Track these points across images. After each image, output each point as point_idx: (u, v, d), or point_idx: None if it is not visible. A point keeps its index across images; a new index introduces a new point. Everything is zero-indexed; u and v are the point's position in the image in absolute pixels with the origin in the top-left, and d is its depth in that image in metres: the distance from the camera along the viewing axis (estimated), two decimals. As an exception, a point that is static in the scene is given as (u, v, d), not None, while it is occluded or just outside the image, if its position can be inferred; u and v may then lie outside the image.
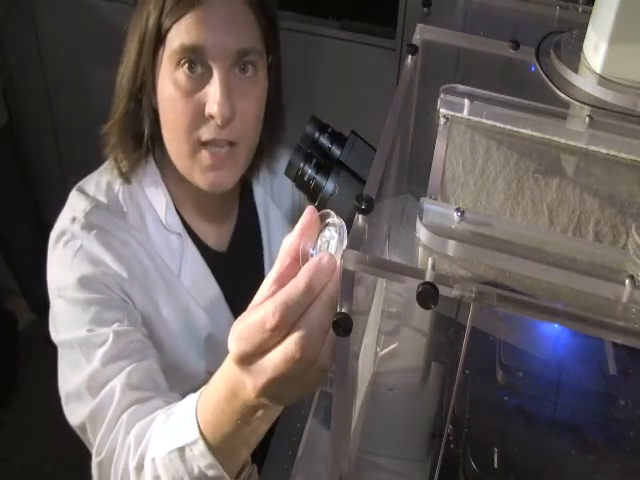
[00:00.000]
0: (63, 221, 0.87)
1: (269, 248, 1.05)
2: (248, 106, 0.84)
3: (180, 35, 0.79)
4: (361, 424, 0.75)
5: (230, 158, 0.85)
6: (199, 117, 0.82)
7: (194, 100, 0.81)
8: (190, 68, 0.80)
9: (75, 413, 0.79)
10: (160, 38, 0.80)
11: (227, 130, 0.82)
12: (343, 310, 0.44)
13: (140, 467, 0.68)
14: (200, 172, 0.85)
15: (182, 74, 0.80)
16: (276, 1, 0.88)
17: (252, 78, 0.84)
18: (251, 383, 0.50)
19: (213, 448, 0.61)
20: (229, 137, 0.83)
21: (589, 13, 0.61)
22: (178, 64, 0.80)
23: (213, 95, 0.80)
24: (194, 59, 0.80)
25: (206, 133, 0.82)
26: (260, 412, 0.55)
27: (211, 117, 0.81)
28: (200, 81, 0.81)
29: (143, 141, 0.88)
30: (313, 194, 0.77)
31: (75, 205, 0.89)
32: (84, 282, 0.82)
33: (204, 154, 0.84)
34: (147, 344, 0.84)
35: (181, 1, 0.78)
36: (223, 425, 0.59)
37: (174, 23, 0.79)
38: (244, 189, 1.01)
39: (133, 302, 0.86)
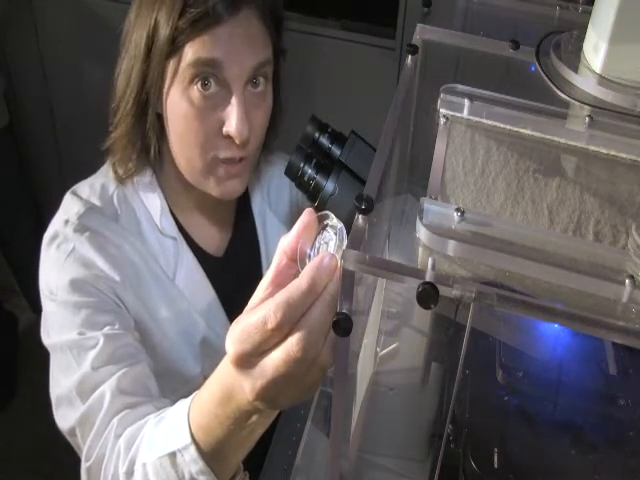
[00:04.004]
0: (56, 223, 0.87)
1: (266, 253, 1.05)
2: (260, 120, 0.84)
3: (196, 49, 0.77)
4: (361, 424, 0.75)
5: (242, 169, 0.86)
6: (216, 136, 0.81)
7: (210, 120, 0.80)
8: (204, 85, 0.78)
9: (65, 418, 0.79)
10: (173, 50, 0.78)
11: (243, 148, 0.82)
12: (343, 310, 0.44)
13: (130, 472, 0.67)
14: (214, 183, 0.86)
15: (196, 92, 0.79)
16: (283, 10, 0.87)
17: (263, 91, 0.83)
18: (249, 385, 0.50)
19: (205, 454, 0.60)
20: (245, 154, 0.84)
21: (589, 13, 0.61)
22: (191, 81, 0.79)
23: (231, 115, 0.79)
24: (208, 75, 0.78)
25: (223, 152, 0.82)
26: (254, 417, 0.55)
27: (228, 136, 0.81)
28: (215, 99, 0.80)
29: (149, 156, 0.87)
30: (313, 194, 0.77)
31: (68, 208, 0.88)
32: (76, 285, 0.82)
33: (219, 168, 0.84)
34: (139, 349, 0.83)
35: (196, 22, 0.76)
36: (215, 430, 0.58)
37: (189, 41, 0.77)
38: (241, 194, 1.01)
39: (126, 306, 0.86)
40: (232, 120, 0.79)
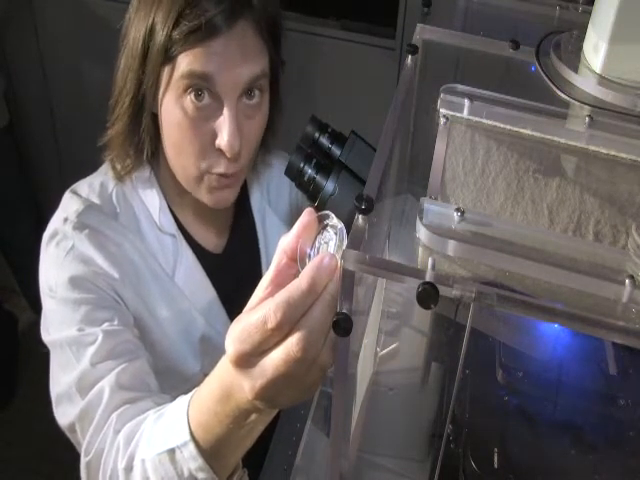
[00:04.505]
0: (56, 221, 0.87)
1: (266, 251, 1.05)
2: (253, 131, 0.84)
3: (189, 61, 0.76)
4: (361, 424, 0.75)
5: (235, 180, 0.86)
6: (208, 147, 0.81)
7: (203, 130, 0.80)
8: (197, 96, 0.78)
9: (65, 414, 0.79)
10: (167, 58, 0.77)
11: (235, 162, 0.82)
12: (343, 310, 0.44)
13: (129, 468, 0.68)
14: (205, 192, 0.86)
15: (189, 102, 0.78)
16: (283, 23, 0.86)
17: (258, 103, 0.83)
18: (249, 385, 0.50)
19: (204, 451, 0.61)
20: (236, 169, 0.83)
21: (589, 13, 0.61)
22: (185, 91, 0.78)
23: (223, 129, 0.79)
24: (202, 87, 0.78)
25: (215, 167, 0.82)
26: (253, 416, 0.55)
27: (220, 149, 0.80)
28: (208, 111, 0.79)
29: (143, 154, 0.87)
30: (313, 194, 0.77)
31: (68, 206, 0.88)
32: (75, 282, 0.82)
33: (211, 178, 0.84)
34: (138, 345, 0.83)
35: (191, 33, 0.75)
36: (214, 428, 0.58)
37: (182, 52, 0.76)
38: (241, 192, 1.01)
39: (125, 303, 0.86)
40: (224, 134, 0.79)
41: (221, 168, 0.82)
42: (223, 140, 0.79)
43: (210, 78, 0.77)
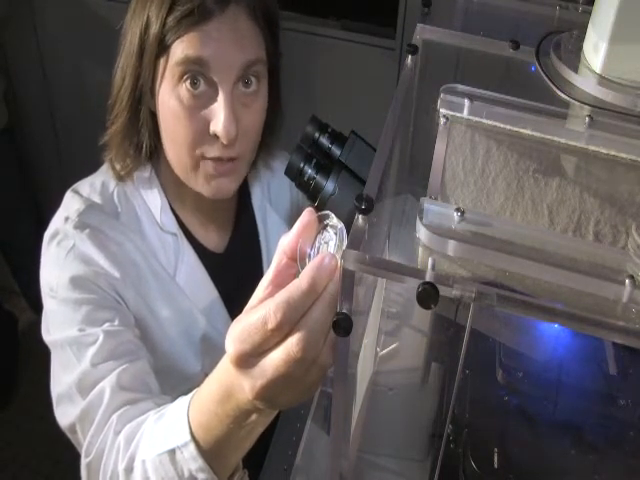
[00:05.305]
0: (57, 221, 0.87)
1: (267, 250, 1.05)
2: (251, 121, 0.84)
3: (183, 47, 0.77)
4: (361, 424, 0.75)
5: (232, 169, 0.86)
6: (203, 135, 0.81)
7: (198, 118, 0.80)
8: (193, 84, 0.78)
9: (65, 414, 0.79)
10: (162, 48, 0.78)
11: (231, 148, 0.82)
12: (343, 310, 0.44)
13: (130, 468, 0.68)
14: (202, 181, 0.86)
15: (185, 90, 0.79)
16: (278, 11, 0.87)
17: (255, 91, 0.83)
18: (249, 385, 0.50)
19: (204, 451, 0.61)
20: (232, 155, 0.83)
21: (589, 13, 0.61)
22: (180, 79, 0.79)
23: (218, 114, 0.79)
24: (197, 73, 0.78)
25: (210, 151, 0.82)
26: (254, 416, 0.55)
27: (216, 136, 0.80)
28: (204, 98, 0.80)
29: (142, 152, 0.87)
30: (313, 194, 0.77)
31: (69, 205, 0.88)
32: (76, 282, 0.82)
33: (207, 164, 0.84)
34: (139, 345, 0.83)
35: (184, 18, 0.76)
36: (215, 428, 0.58)
37: (177, 38, 0.77)
38: (242, 191, 1.01)
39: (126, 303, 0.86)
40: (219, 119, 0.79)
41: (216, 152, 0.82)
42: (218, 126, 0.79)
43: (205, 63, 0.77)
